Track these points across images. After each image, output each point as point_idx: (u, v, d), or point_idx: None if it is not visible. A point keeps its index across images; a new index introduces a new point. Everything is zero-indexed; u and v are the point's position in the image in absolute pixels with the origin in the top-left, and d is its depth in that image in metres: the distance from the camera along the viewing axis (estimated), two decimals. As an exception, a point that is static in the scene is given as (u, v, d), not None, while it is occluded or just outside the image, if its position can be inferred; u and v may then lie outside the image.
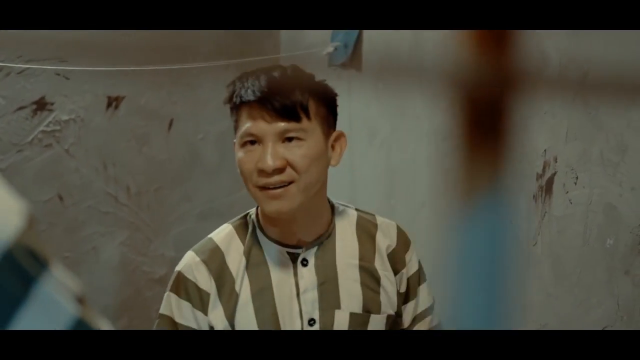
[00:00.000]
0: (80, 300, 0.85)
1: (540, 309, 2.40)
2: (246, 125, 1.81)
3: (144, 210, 3.53)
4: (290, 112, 1.79)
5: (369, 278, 1.90)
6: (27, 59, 3.24)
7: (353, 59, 3.24)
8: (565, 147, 2.41)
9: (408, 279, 1.94)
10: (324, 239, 1.90)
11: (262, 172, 1.80)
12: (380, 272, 1.91)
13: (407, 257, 1.94)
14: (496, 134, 0.57)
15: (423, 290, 1.97)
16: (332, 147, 1.88)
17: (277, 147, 1.80)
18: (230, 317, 1.85)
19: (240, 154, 1.84)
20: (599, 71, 1.91)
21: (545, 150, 2.42)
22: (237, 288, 1.86)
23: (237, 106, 1.83)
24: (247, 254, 1.88)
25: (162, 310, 1.90)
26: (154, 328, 1.92)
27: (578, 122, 2.37)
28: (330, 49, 3.29)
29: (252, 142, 1.82)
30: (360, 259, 1.91)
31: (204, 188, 3.61)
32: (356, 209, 1.98)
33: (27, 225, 0.83)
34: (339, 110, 3.42)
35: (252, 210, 1.96)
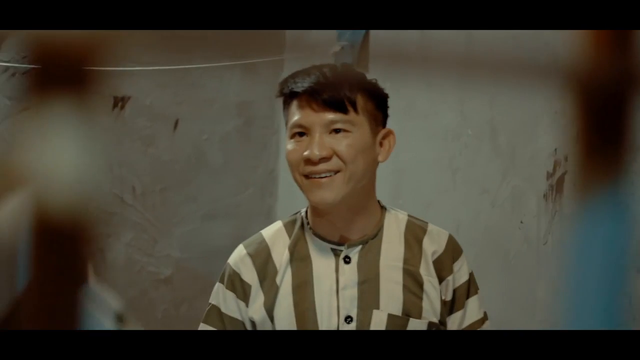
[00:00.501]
0: (120, 318, 0.85)
1: (551, 308, 2.39)
2: (295, 117, 1.87)
3: (149, 211, 3.53)
4: (337, 103, 1.84)
5: (412, 282, 1.89)
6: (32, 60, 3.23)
7: (360, 59, 3.23)
8: (576, 146, 2.40)
9: (455, 289, 1.92)
10: (370, 238, 1.91)
11: (308, 161, 1.85)
12: (425, 278, 1.90)
13: (456, 266, 1.93)
14: (616, 133, 0.56)
15: (472, 303, 1.94)
16: (381, 144, 1.92)
17: (324, 137, 1.84)
18: (270, 307, 1.89)
19: (289, 145, 1.89)
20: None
21: (555, 149, 2.41)
22: (278, 280, 1.90)
23: (287, 99, 1.89)
24: (292, 248, 1.92)
25: (211, 299, 1.98)
26: (203, 316, 1.99)
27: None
28: (337, 48, 3.28)
29: (301, 134, 1.87)
30: (405, 262, 1.91)
31: (209, 188, 3.60)
32: (408, 215, 1.99)
33: None
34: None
35: (303, 209, 1.98)
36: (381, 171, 3.19)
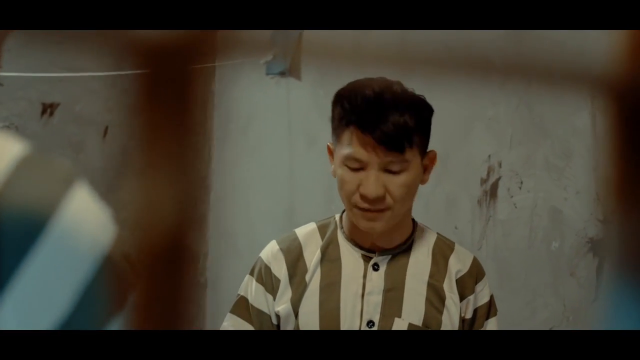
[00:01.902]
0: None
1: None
2: (352, 148, 1.86)
3: (79, 219, 3.47)
4: (397, 144, 1.84)
5: (435, 296, 1.94)
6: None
7: (292, 68, 3.22)
8: (510, 153, 2.41)
9: (476, 309, 1.98)
10: (400, 250, 1.96)
11: (364, 197, 1.86)
12: (447, 294, 1.95)
13: (478, 287, 2.00)
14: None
15: (491, 324, 2.01)
16: (425, 166, 1.93)
17: (381, 175, 1.85)
18: (296, 303, 1.94)
19: (342, 171, 1.89)
20: (542, 77, 1.91)
21: (489, 156, 2.43)
22: (307, 278, 1.95)
23: (346, 123, 1.87)
24: (324, 249, 1.97)
25: (240, 291, 2.01)
26: (232, 306, 2.02)
27: (522, 127, 2.38)
28: (269, 57, 3.27)
29: (356, 166, 1.88)
30: (430, 277, 1.95)
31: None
32: (437, 233, 2.03)
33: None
34: (278, 115, 3.41)
35: (338, 214, 2.02)
36: (315, 174, 3.18)
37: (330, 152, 1.95)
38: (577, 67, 0.63)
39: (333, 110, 1.91)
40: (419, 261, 1.96)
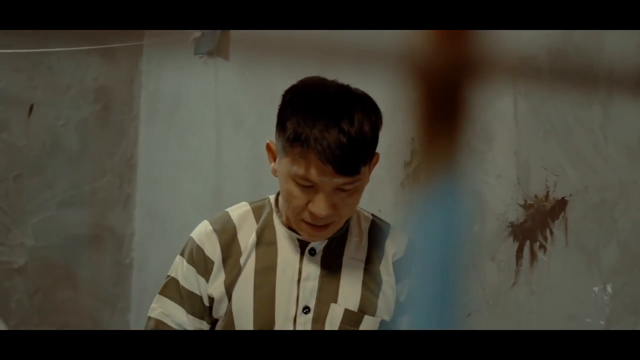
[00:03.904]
0: None
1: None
2: (306, 170, 1.79)
3: (2, 199, 3.43)
4: (355, 170, 1.79)
5: (371, 281, 1.94)
6: None
7: (220, 47, 3.21)
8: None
9: (410, 291, 1.96)
10: (336, 235, 1.93)
11: (312, 215, 1.82)
12: (384, 277, 1.95)
13: (414, 269, 1.95)
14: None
15: None
16: (370, 170, 1.89)
17: (332, 196, 1.81)
18: (230, 286, 1.91)
19: (290, 186, 1.82)
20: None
21: (413, 139, 2.45)
22: (242, 261, 1.92)
23: (296, 143, 1.79)
24: (260, 232, 1.94)
25: (170, 272, 1.98)
26: (161, 288, 1.98)
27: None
28: (197, 34, 3.25)
29: (307, 184, 1.82)
30: (367, 261, 1.95)
31: (65, 175, 3.52)
32: (372, 215, 2.02)
33: None
34: (206, 96, 3.39)
35: (272, 196, 1.98)
36: (242, 156, 3.18)
37: (271, 150, 1.90)
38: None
39: (283, 120, 1.84)
40: (355, 245, 1.95)
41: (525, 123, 2.22)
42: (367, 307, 1.93)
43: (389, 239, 1.98)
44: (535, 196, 2.21)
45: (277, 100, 3.01)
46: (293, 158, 1.80)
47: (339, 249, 1.94)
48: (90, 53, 3.52)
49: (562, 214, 2.14)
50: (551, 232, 2.17)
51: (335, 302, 1.91)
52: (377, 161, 1.90)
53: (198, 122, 3.39)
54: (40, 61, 3.42)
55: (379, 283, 1.94)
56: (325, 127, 1.77)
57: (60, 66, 3.48)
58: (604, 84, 2.09)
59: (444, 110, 0.64)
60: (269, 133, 3.07)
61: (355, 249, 1.95)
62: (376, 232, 1.98)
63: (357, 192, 1.84)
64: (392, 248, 1.97)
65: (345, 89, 1.85)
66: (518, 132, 2.24)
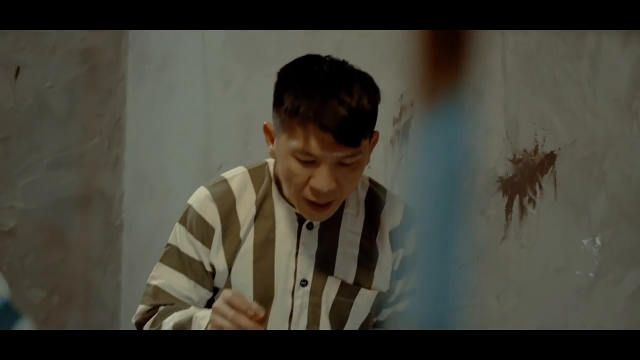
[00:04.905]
0: None
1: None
2: (306, 143, 1.77)
3: (-10, 161, 3.42)
4: (356, 141, 1.77)
5: (368, 253, 1.94)
6: None
7: (206, 5, 3.19)
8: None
9: (404, 258, 1.98)
10: None
11: (314, 190, 1.80)
12: (380, 250, 1.95)
13: (408, 237, 1.97)
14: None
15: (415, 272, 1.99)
16: (370, 148, 1.87)
17: (334, 170, 1.79)
18: (230, 260, 1.92)
19: (291, 163, 1.80)
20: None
21: (402, 95, 2.45)
22: (242, 234, 1.92)
23: (296, 117, 1.77)
24: (259, 205, 1.92)
25: (170, 240, 1.96)
26: (162, 256, 1.97)
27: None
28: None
29: (308, 159, 1.80)
30: (363, 233, 1.95)
31: (53, 137, 3.52)
32: (369, 180, 2.00)
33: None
34: (193, 56, 3.38)
35: (272, 161, 1.94)
36: (231, 116, 3.18)
37: (268, 132, 1.88)
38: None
39: (280, 95, 1.82)
40: (352, 218, 1.94)
41: (514, 78, 2.22)
42: (363, 280, 1.94)
43: (385, 210, 1.97)
44: (524, 150, 2.21)
45: (265, 60, 3.01)
46: (292, 132, 1.78)
47: (336, 222, 1.93)
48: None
49: (551, 168, 2.15)
50: (540, 186, 2.18)
51: (332, 275, 1.92)
52: (377, 140, 1.89)
53: (186, 83, 3.38)
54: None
55: (375, 255, 1.95)
56: (324, 98, 1.76)
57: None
58: (592, 37, 2.09)
59: (435, 65, 0.64)
60: (257, 93, 3.07)
61: (352, 222, 1.94)
62: (373, 202, 1.97)
63: (359, 167, 1.82)
64: (389, 220, 1.97)
65: (342, 64, 1.84)
66: (507, 87, 2.24)
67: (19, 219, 3.48)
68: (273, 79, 2.96)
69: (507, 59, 2.23)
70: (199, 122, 3.32)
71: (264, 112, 3.02)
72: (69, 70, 3.52)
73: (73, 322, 3.61)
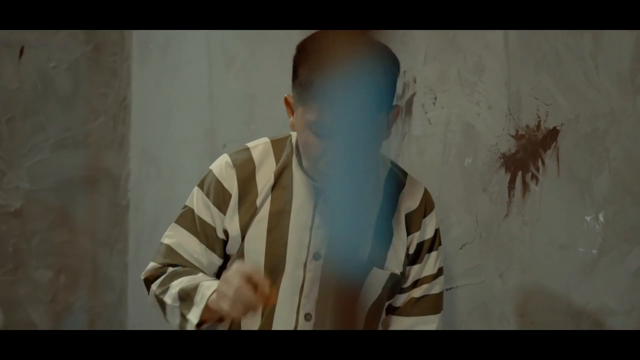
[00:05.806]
0: None
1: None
2: (317, 114, 1.77)
3: (-4, 142, 3.43)
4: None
5: (383, 232, 1.95)
6: None
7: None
8: (424, 68, 2.43)
9: (420, 244, 1.99)
10: None
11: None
12: (395, 231, 1.96)
13: (425, 221, 1.99)
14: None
15: (430, 258, 2.01)
16: (389, 122, 1.87)
17: None
18: (245, 227, 1.93)
19: (308, 135, 1.81)
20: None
21: (404, 72, 2.44)
22: (258, 203, 1.93)
23: (316, 94, 1.77)
24: (277, 175, 1.95)
25: (187, 202, 2.00)
26: (177, 217, 2.00)
27: (436, 43, 2.40)
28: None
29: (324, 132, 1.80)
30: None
31: (58, 118, 3.52)
32: (391, 162, 2.01)
33: None
34: (196, 34, 3.37)
35: (294, 133, 1.95)
36: (235, 94, 3.18)
37: (288, 104, 1.89)
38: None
39: (296, 68, 1.82)
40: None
41: (516, 53, 2.21)
42: (376, 259, 1.94)
43: (403, 192, 1.98)
44: (527, 126, 2.21)
45: (269, 38, 3.00)
46: (307, 105, 1.79)
47: None
48: (79, -6, 3.49)
49: (554, 143, 2.15)
50: (543, 162, 2.17)
51: None
52: (398, 113, 1.89)
53: (190, 61, 3.38)
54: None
55: (389, 235, 1.95)
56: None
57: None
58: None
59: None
60: (261, 71, 3.06)
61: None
62: (392, 182, 1.98)
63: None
64: (406, 202, 1.97)
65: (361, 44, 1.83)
66: (508, 62, 2.23)
67: (25, 200, 3.49)
68: (276, 56, 2.96)
69: (509, 34, 2.22)
70: (203, 100, 3.32)
71: (267, 90, 3.02)
72: (73, 50, 3.52)
73: (80, 303, 3.63)
